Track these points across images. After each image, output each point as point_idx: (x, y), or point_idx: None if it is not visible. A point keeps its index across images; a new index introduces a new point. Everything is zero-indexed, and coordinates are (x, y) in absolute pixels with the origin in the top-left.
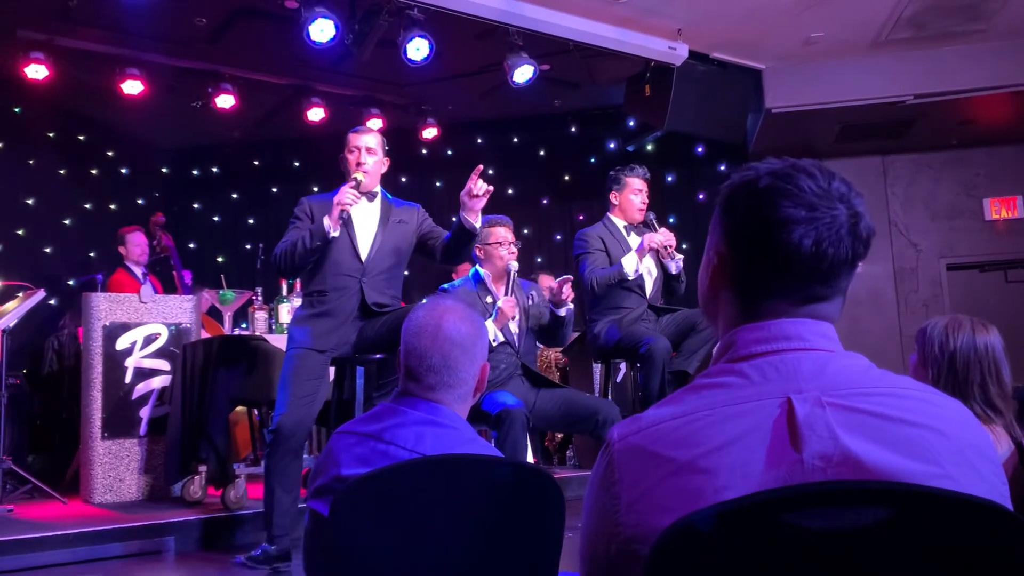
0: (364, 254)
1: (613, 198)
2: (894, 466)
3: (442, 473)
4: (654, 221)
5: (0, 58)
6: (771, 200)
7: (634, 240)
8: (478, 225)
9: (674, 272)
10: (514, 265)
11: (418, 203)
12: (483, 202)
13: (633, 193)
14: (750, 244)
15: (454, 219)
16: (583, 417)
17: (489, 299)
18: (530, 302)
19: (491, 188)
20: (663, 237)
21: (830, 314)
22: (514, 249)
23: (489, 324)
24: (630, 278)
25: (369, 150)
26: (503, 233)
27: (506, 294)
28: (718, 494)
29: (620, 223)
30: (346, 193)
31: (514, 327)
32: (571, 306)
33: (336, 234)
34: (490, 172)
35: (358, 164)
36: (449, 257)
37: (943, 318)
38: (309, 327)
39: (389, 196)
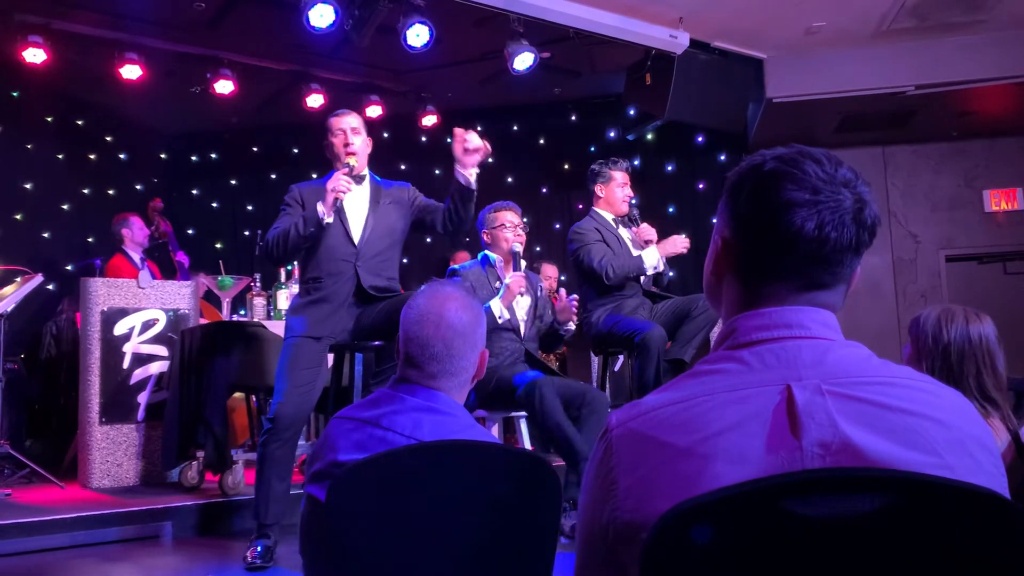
0: (356, 237)
1: (599, 190)
2: (893, 455)
3: (439, 459)
4: (637, 216)
5: None
6: (775, 183)
7: (623, 232)
8: (473, 179)
9: (660, 268)
10: (517, 247)
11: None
12: (477, 158)
13: (619, 186)
14: (754, 227)
15: (452, 182)
16: (571, 397)
17: (499, 284)
18: (539, 293)
19: (486, 146)
20: (649, 233)
21: (833, 303)
22: (521, 232)
23: (495, 302)
24: (648, 273)
25: (354, 130)
26: (510, 217)
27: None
28: (716, 480)
29: (608, 216)
30: (339, 179)
31: (521, 314)
32: (573, 326)
33: (330, 220)
34: (489, 160)
35: (346, 146)
36: (453, 222)
37: (935, 308)
38: (306, 315)
39: (377, 178)
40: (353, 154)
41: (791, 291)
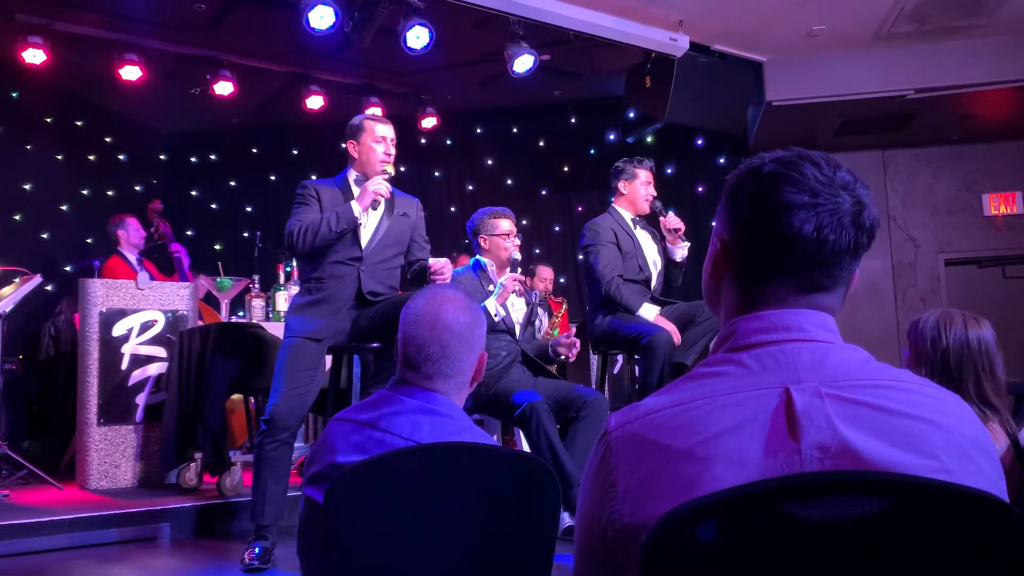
0: (364, 242)
1: (622, 187)
2: (892, 458)
3: (438, 460)
4: (662, 208)
5: None
6: (774, 185)
7: (640, 233)
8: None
9: (678, 260)
10: (517, 255)
11: (417, 193)
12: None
13: (643, 185)
14: (752, 229)
15: (424, 263)
16: (571, 400)
17: (492, 287)
18: (532, 300)
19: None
20: (677, 222)
21: (831, 305)
22: (517, 241)
23: (491, 301)
24: (636, 314)
25: (393, 140)
26: (507, 226)
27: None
28: (715, 482)
29: (627, 215)
30: (382, 184)
31: (517, 316)
32: (563, 358)
33: (364, 220)
34: (489, 162)
35: (388, 155)
36: (407, 279)
37: (934, 313)
38: (306, 316)
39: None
40: (391, 163)
41: (790, 293)
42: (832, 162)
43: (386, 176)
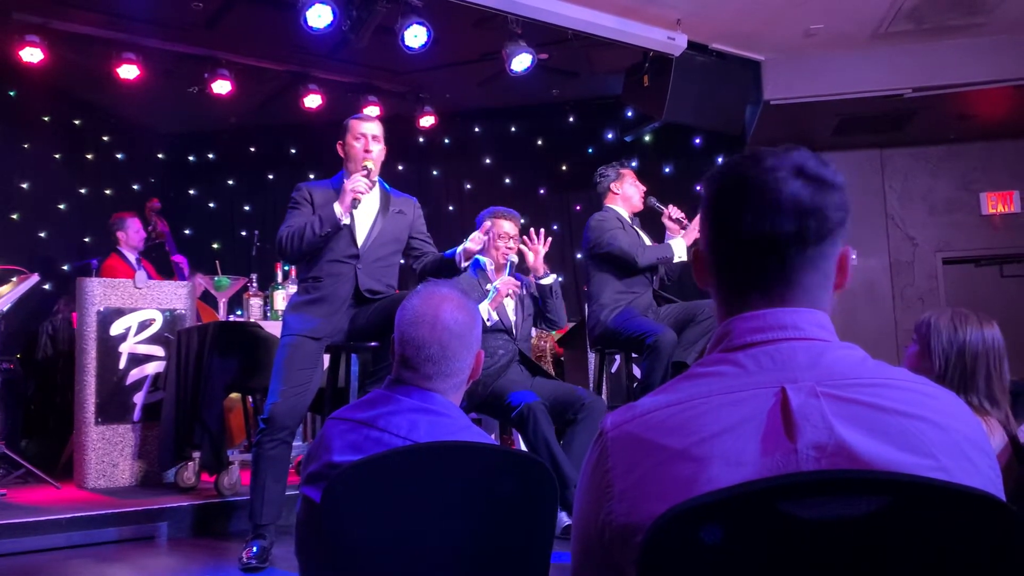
0: (360, 240)
1: (615, 188)
2: (888, 457)
3: (435, 460)
4: (657, 202)
5: None
6: (721, 191)
7: (638, 230)
8: (469, 264)
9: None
10: (514, 258)
11: (415, 192)
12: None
13: (633, 182)
14: (712, 237)
15: (438, 254)
16: (568, 402)
17: (489, 287)
18: (524, 291)
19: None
20: (678, 212)
21: (816, 299)
22: (513, 245)
23: (484, 305)
24: (673, 262)
25: (375, 137)
26: (506, 228)
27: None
28: (712, 482)
29: (624, 212)
30: (359, 181)
31: (512, 315)
32: (553, 276)
33: (347, 221)
34: (487, 161)
35: (366, 152)
36: (424, 276)
37: (946, 311)
38: (304, 314)
39: (386, 185)
40: (371, 159)
41: (765, 292)
42: (782, 154)
43: (365, 172)
